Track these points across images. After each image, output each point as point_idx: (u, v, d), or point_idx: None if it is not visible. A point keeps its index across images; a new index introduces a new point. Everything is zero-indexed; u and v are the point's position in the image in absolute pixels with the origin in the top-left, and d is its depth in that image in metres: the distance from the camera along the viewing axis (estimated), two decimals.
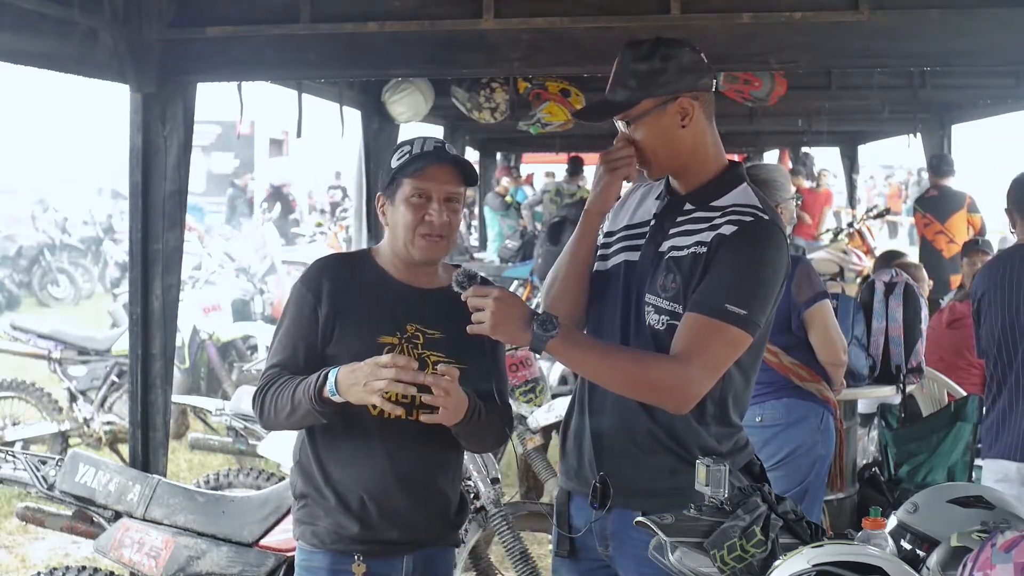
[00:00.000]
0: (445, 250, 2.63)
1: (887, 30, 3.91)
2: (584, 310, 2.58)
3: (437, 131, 10.04)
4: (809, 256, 8.30)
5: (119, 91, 4.29)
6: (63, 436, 6.82)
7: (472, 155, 13.23)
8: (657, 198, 2.55)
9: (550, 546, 2.97)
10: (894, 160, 30.18)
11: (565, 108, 6.67)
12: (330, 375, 2.47)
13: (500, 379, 2.71)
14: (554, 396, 5.46)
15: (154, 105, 4.26)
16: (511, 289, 10.16)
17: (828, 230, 12.55)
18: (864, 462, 5.13)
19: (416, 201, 2.57)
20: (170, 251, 4.36)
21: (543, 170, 21.67)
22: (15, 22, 3.65)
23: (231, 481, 4.74)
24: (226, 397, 7.10)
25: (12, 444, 6.31)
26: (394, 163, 2.62)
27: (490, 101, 6.60)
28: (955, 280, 7.54)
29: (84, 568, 3.86)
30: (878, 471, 4.91)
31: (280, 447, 4.74)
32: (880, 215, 11.48)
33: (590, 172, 16.43)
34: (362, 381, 2.41)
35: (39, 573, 3.98)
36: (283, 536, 3.45)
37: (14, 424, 6.81)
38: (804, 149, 15.38)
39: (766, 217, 2.40)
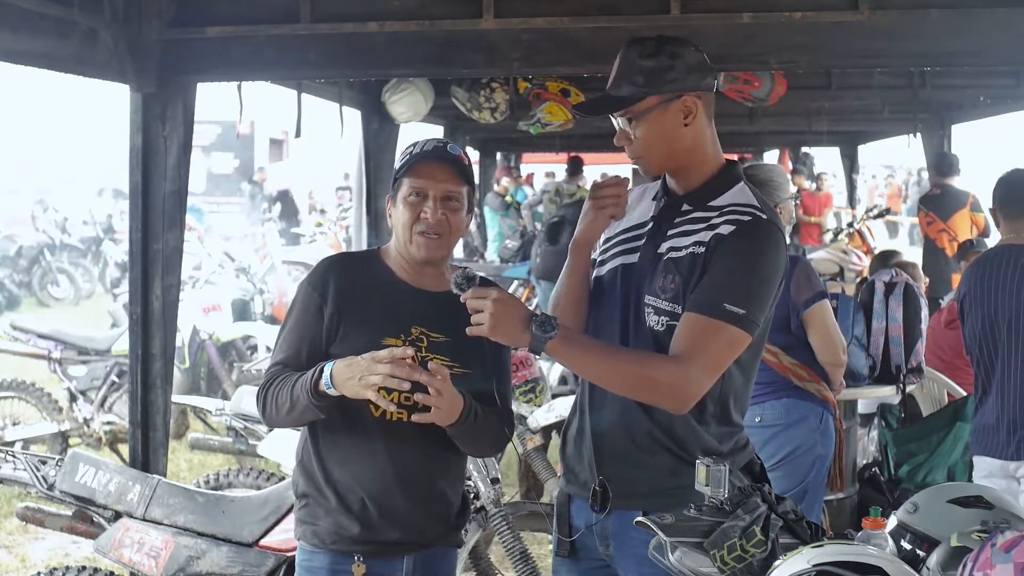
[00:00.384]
0: (445, 249, 2.63)
1: (887, 30, 3.91)
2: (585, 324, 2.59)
3: (437, 131, 10.04)
4: (809, 256, 8.33)
5: (119, 91, 4.29)
6: (63, 436, 6.82)
7: (472, 155, 13.21)
8: (654, 199, 2.55)
9: (550, 546, 2.97)
10: (894, 160, 30.19)
11: (565, 108, 6.67)
12: (326, 368, 2.47)
13: (503, 383, 2.71)
14: (554, 396, 5.46)
15: (154, 105, 4.26)
16: (511, 289, 10.22)
17: (828, 230, 12.56)
18: (864, 462, 5.13)
19: (413, 200, 2.58)
20: (170, 251, 4.36)
21: (543, 170, 21.67)
22: (15, 22, 3.65)
23: (231, 481, 4.74)
24: (226, 397, 7.09)
25: (12, 444, 6.31)
26: (397, 163, 2.64)
27: (490, 101, 6.60)
28: (956, 279, 7.54)
29: (84, 568, 3.86)
30: (878, 471, 4.91)
31: (280, 447, 4.74)
32: (880, 215, 11.48)
33: (590, 172, 16.50)
34: (358, 375, 2.41)
35: (39, 573, 3.98)
36: (283, 536, 3.45)
37: (14, 424, 6.81)
38: (804, 149, 15.39)
39: (764, 216, 2.40)
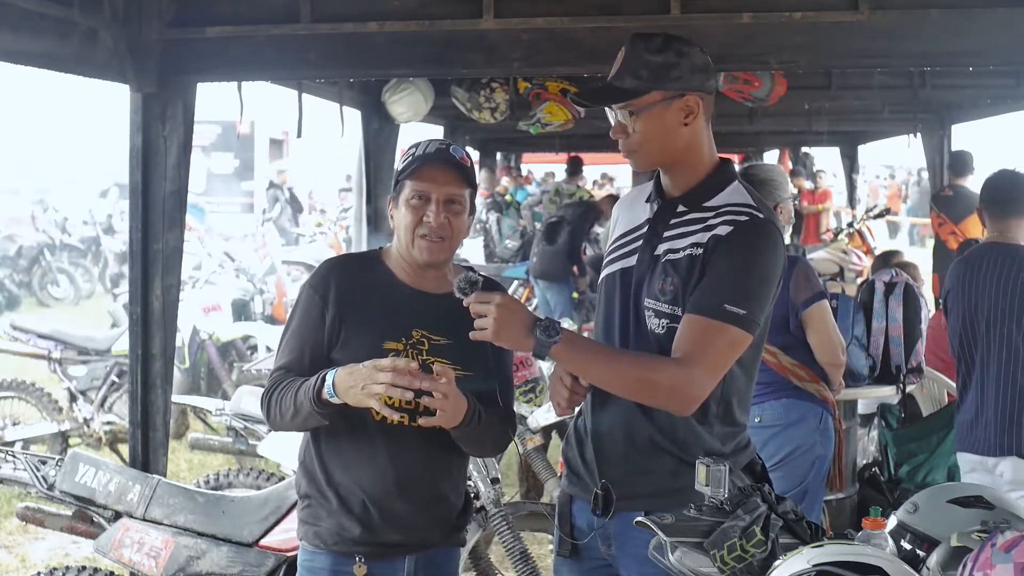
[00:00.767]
0: (447, 252, 2.62)
1: (887, 30, 3.91)
2: None
3: (437, 131, 10.04)
4: (809, 256, 8.32)
5: (119, 91, 4.29)
6: (63, 436, 6.82)
7: (472, 155, 13.20)
8: (647, 201, 2.55)
9: (550, 546, 2.97)
10: (894, 160, 30.20)
11: (565, 108, 6.67)
12: (328, 377, 2.47)
13: (505, 386, 2.70)
14: None
15: (154, 105, 4.26)
16: (511, 289, 10.21)
17: (828, 230, 12.55)
18: (864, 462, 5.13)
19: (415, 203, 2.57)
20: (170, 251, 4.36)
21: (543, 170, 21.68)
22: (15, 22, 3.65)
23: (231, 481, 4.74)
24: (226, 397, 7.09)
25: (12, 444, 6.31)
26: (398, 165, 2.63)
27: (490, 101, 6.60)
28: None
29: (84, 568, 3.86)
30: (878, 471, 4.91)
31: (280, 447, 4.74)
32: (880, 215, 11.48)
33: (590, 172, 16.52)
34: (360, 384, 2.41)
35: (39, 573, 3.98)
36: (283, 536, 3.45)
37: (14, 424, 6.81)
38: (804, 149, 15.38)
39: (761, 215, 2.40)
